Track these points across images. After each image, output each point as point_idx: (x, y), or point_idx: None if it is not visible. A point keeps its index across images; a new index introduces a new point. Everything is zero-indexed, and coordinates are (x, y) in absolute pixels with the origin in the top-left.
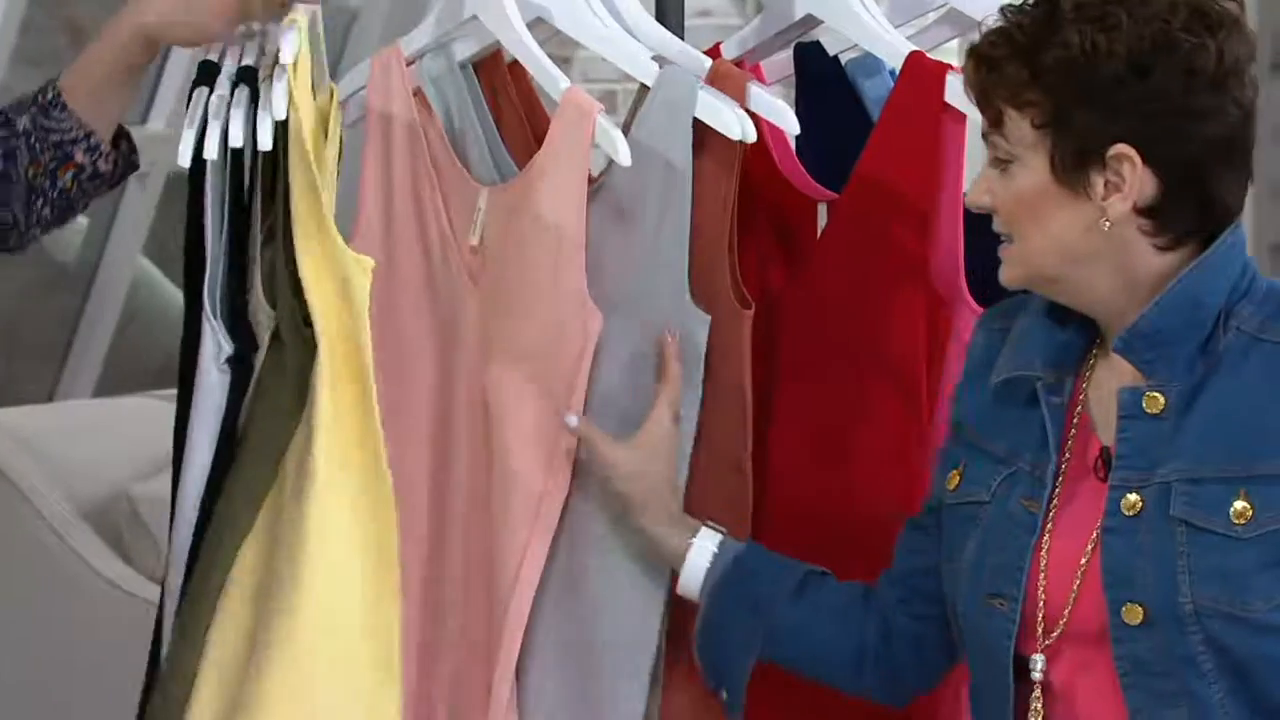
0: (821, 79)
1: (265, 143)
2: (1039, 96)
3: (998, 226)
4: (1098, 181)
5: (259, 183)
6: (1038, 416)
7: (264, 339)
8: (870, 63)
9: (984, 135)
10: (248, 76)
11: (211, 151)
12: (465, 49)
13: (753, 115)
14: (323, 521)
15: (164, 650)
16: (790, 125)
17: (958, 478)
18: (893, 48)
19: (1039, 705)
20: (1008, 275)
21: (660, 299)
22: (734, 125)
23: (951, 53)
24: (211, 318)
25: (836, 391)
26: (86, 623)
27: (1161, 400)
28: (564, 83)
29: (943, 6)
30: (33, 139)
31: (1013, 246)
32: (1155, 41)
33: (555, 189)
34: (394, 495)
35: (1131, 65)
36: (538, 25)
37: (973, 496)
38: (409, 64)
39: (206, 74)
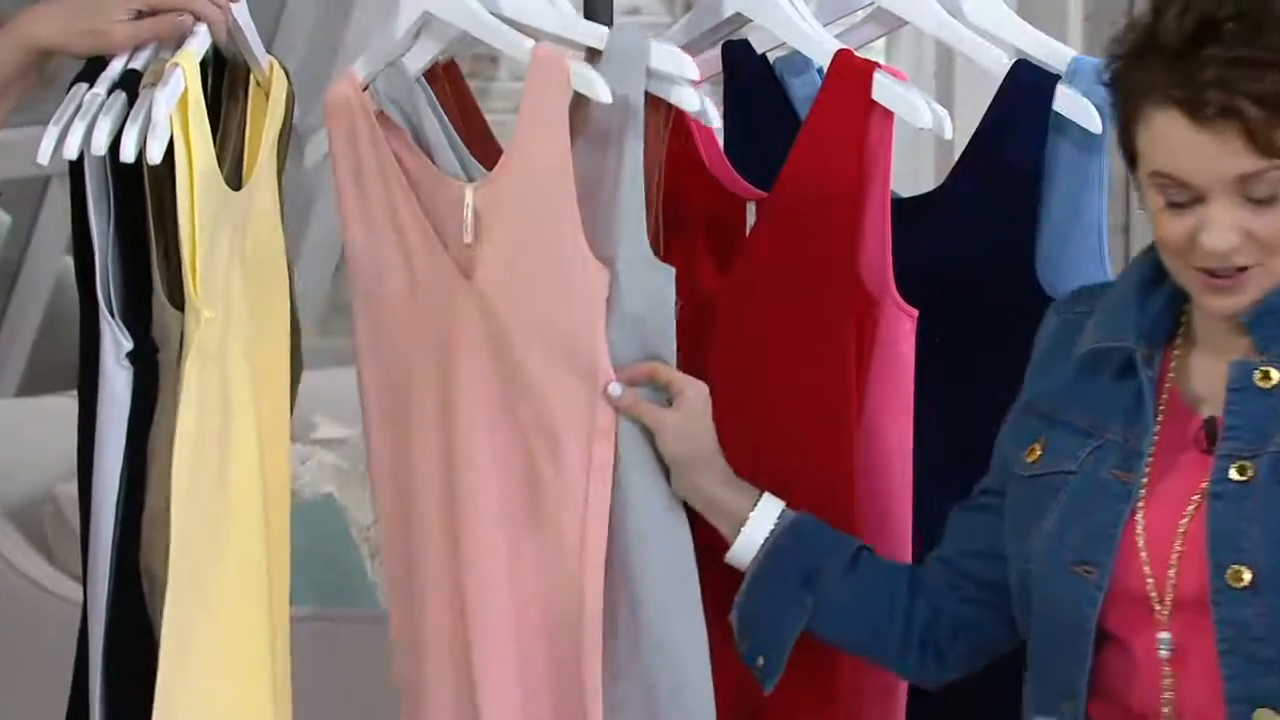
0: (750, 77)
1: (154, 156)
2: None
3: (1241, 261)
4: None
5: (146, 188)
6: (1127, 389)
7: (173, 341)
8: (798, 61)
9: (1243, 176)
10: (129, 81)
11: (71, 150)
12: (418, 60)
13: (680, 114)
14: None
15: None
16: (712, 120)
17: (1039, 450)
18: (820, 46)
19: (1170, 682)
20: (1243, 304)
21: (625, 249)
22: (688, 68)
23: (879, 51)
24: (108, 315)
25: (766, 389)
26: (9, 623)
27: (1276, 375)
28: (528, 43)
29: (870, 5)
30: None
31: (1257, 271)
32: None
33: (541, 152)
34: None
35: None
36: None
37: (1058, 467)
38: (364, 89)
39: (90, 72)
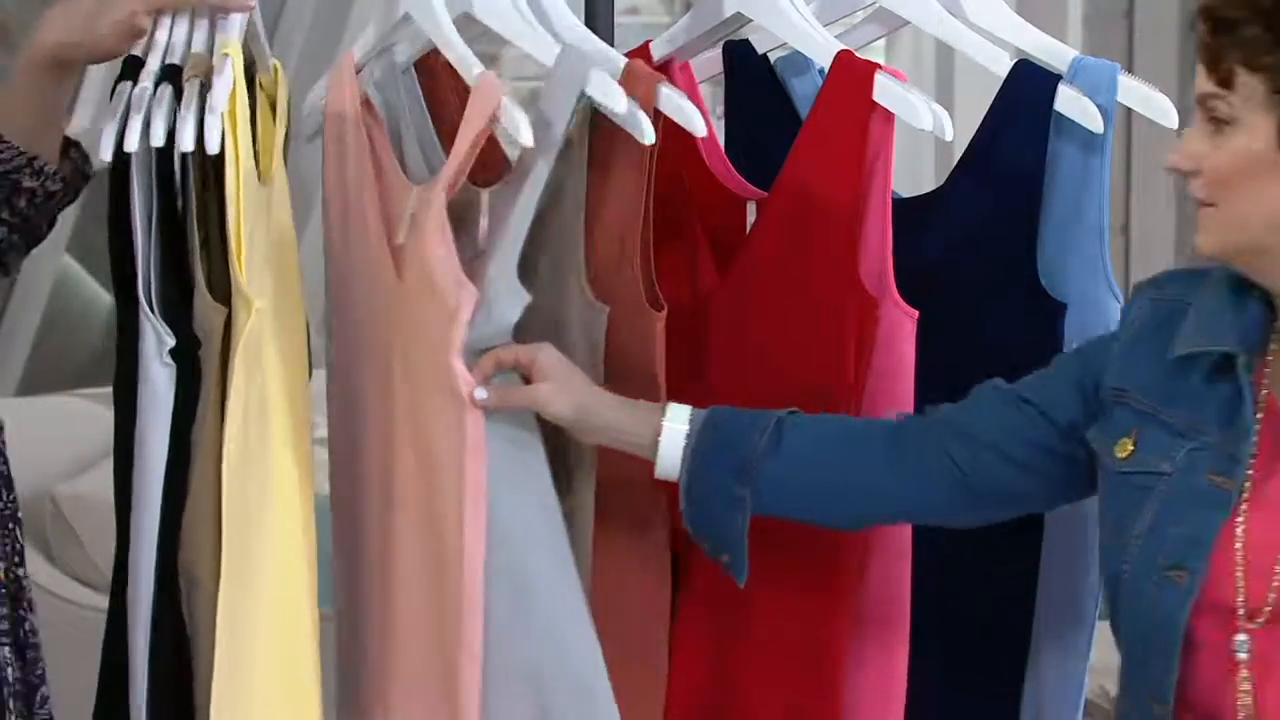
0: (750, 77)
1: (213, 146)
2: (1278, 61)
3: (1197, 191)
4: None
5: (190, 180)
6: (1224, 392)
7: (215, 336)
8: (799, 61)
9: (1203, 95)
10: (172, 75)
11: (132, 144)
12: (405, 50)
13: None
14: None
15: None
16: (697, 128)
17: (1131, 446)
18: (821, 46)
19: (1248, 687)
20: (1205, 242)
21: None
22: (617, 101)
23: (879, 51)
24: (149, 312)
25: (766, 390)
26: None
27: None
28: (477, 68)
29: (871, 5)
30: None
31: (1215, 213)
32: None
33: (454, 169)
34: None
35: None
36: (467, 23)
37: (1151, 467)
38: (358, 71)
39: (132, 69)
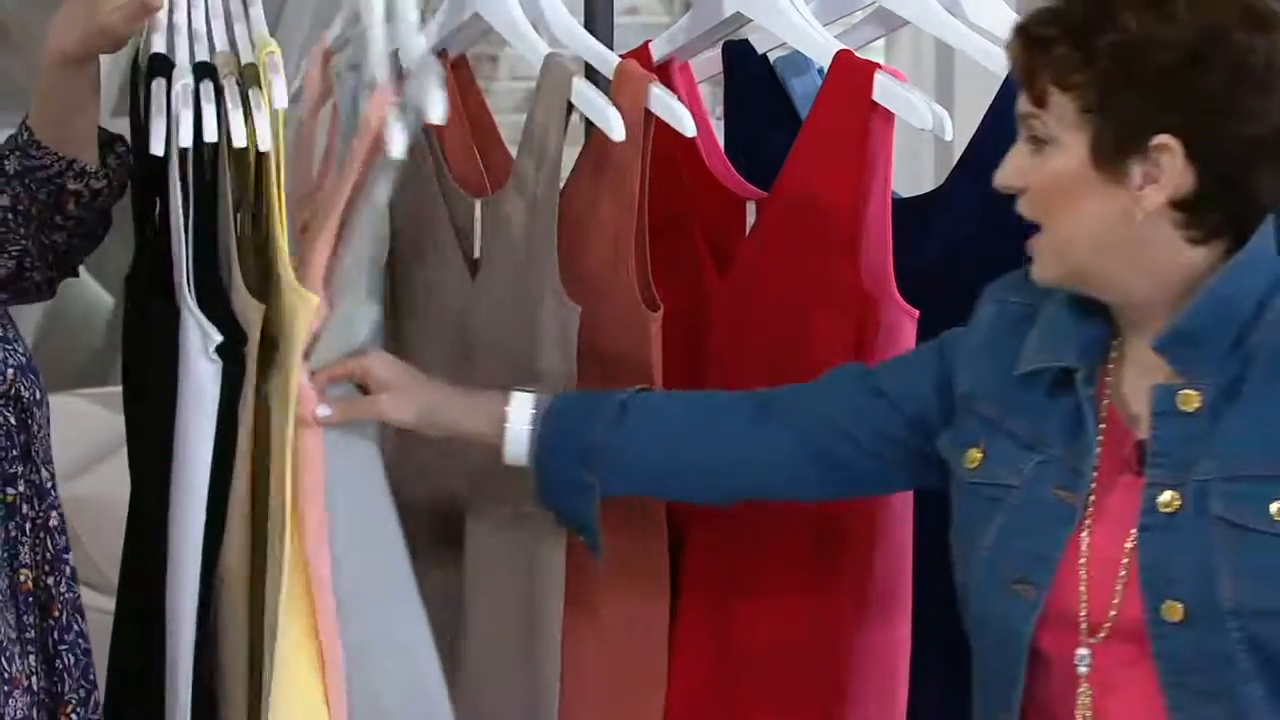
0: (750, 77)
1: (265, 142)
2: (1087, 79)
3: (1024, 210)
4: (1136, 171)
5: (224, 180)
6: (1066, 405)
7: (254, 332)
8: (799, 61)
9: (1021, 114)
10: (208, 72)
11: (186, 139)
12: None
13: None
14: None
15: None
16: (687, 129)
17: (980, 456)
18: (821, 46)
19: (1088, 700)
20: (1039, 269)
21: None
22: (605, 116)
23: (879, 51)
24: (193, 308)
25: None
26: None
27: (1196, 398)
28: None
29: (870, 5)
30: (26, 179)
31: (1043, 237)
32: (1210, 35)
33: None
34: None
35: (1185, 57)
36: (474, 22)
37: (998, 479)
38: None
39: (161, 67)
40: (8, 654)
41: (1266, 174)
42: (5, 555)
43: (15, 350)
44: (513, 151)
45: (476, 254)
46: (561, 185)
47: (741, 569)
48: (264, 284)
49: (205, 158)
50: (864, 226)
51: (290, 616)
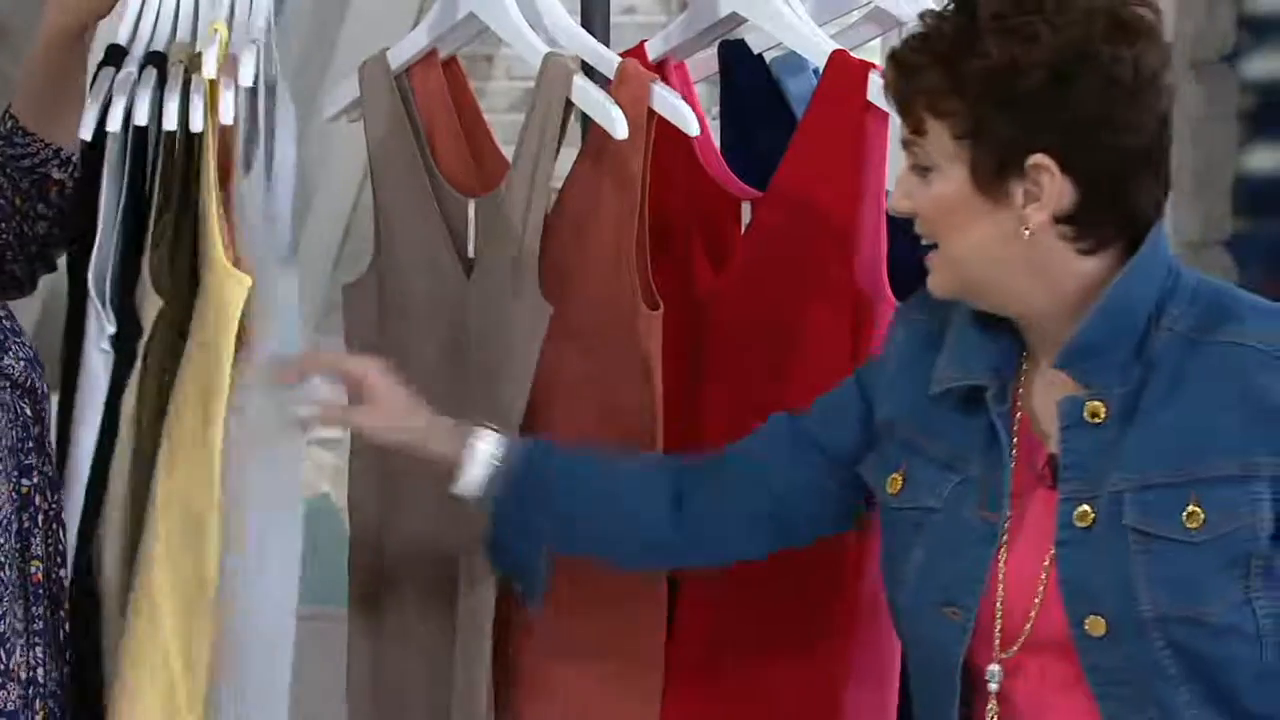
0: (746, 77)
1: (197, 123)
2: (958, 106)
3: (920, 231)
4: (1017, 191)
5: (158, 171)
6: (980, 423)
7: (148, 325)
8: (794, 61)
9: (904, 142)
10: (156, 60)
11: (115, 124)
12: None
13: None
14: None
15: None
16: (691, 127)
17: (900, 481)
18: (816, 46)
19: (995, 716)
20: (936, 283)
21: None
22: (609, 115)
23: (874, 51)
24: (96, 299)
25: (761, 389)
26: None
27: (1103, 409)
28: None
29: (866, 5)
30: (8, 169)
31: (938, 252)
32: (1075, 53)
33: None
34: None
35: (1051, 77)
36: (468, 22)
37: (920, 503)
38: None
39: (114, 56)
40: (8, 645)
41: (1145, 183)
42: (17, 547)
43: (23, 343)
44: (505, 151)
45: (471, 253)
46: (560, 184)
47: (734, 626)
48: (188, 271)
49: (148, 144)
50: (859, 226)
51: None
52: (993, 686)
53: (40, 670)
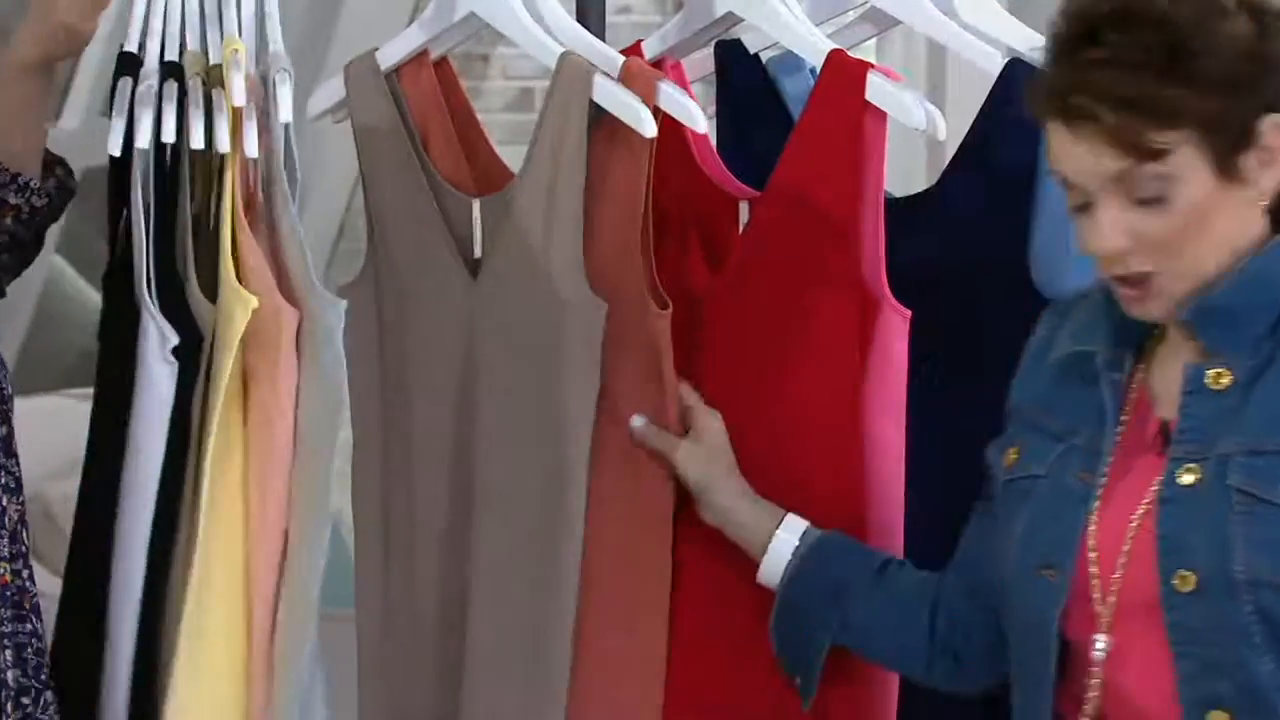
0: (742, 77)
1: (223, 144)
2: (1194, 106)
3: (1134, 266)
4: (1251, 162)
5: (184, 180)
6: (1097, 393)
7: (208, 331)
8: (791, 61)
9: (1119, 174)
10: (175, 73)
11: (144, 140)
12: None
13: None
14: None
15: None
16: (699, 125)
17: (1015, 455)
18: (813, 46)
19: (1096, 683)
20: (1156, 310)
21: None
22: (637, 114)
23: (871, 51)
24: (152, 309)
25: (759, 389)
26: None
27: (1228, 377)
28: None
29: (863, 5)
30: None
31: (1160, 278)
32: (1257, 8)
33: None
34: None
35: (1256, 32)
36: (466, 22)
37: (1029, 471)
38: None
39: (129, 65)
40: None
41: None
42: None
43: None
44: (501, 151)
45: (477, 254)
46: None
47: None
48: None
49: (167, 158)
50: (858, 227)
51: (202, 611)
52: (1098, 654)
53: (10, 673)
